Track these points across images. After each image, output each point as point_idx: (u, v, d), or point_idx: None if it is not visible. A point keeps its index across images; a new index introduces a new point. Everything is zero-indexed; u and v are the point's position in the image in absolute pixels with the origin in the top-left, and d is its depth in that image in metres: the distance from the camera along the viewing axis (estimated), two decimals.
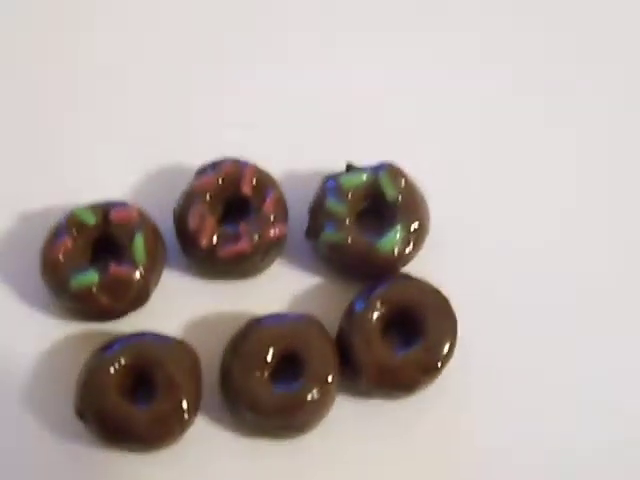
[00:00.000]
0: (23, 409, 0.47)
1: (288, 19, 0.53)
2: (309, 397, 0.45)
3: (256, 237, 0.46)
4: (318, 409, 0.45)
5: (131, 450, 0.46)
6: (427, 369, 0.46)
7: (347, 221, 0.47)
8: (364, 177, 0.47)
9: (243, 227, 0.47)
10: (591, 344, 0.48)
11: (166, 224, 0.48)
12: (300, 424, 0.45)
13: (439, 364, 0.46)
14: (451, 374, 0.47)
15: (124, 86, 0.52)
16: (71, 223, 0.47)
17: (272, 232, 0.47)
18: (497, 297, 0.49)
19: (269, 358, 0.45)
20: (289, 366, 0.46)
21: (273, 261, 0.48)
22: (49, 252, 0.46)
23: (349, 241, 0.47)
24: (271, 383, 0.45)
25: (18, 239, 0.49)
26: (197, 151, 0.50)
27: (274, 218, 0.47)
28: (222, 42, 0.52)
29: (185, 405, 0.45)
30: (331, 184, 0.47)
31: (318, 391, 0.45)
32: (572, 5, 0.53)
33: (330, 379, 0.45)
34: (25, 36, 0.52)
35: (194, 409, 0.45)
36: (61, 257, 0.46)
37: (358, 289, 0.47)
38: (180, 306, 0.48)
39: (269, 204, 0.47)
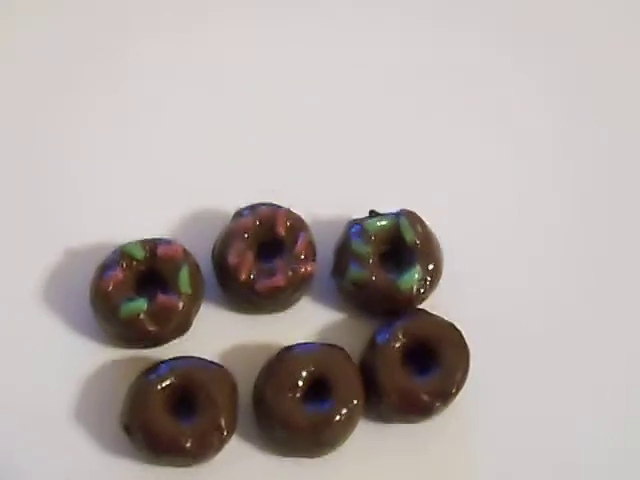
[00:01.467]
0: (71, 430, 0.51)
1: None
2: (337, 417, 0.50)
3: (290, 273, 0.51)
4: (345, 427, 0.50)
5: (172, 463, 0.50)
6: (443, 395, 0.51)
7: (370, 261, 0.52)
8: (385, 222, 0.53)
9: (278, 264, 0.52)
10: (604, 376, 0.53)
11: (202, 262, 0.53)
12: (328, 441, 0.50)
13: (453, 390, 0.51)
14: (464, 401, 0.51)
15: (171, 131, 0.57)
16: (121, 257, 0.51)
17: (304, 269, 0.52)
18: (507, 329, 0.54)
19: (300, 381, 0.50)
20: (318, 390, 0.50)
21: (302, 296, 0.53)
22: (100, 282, 0.51)
23: (373, 278, 0.52)
24: (302, 403, 0.50)
25: (68, 273, 0.53)
26: (230, 197, 0.54)
27: (305, 256, 0.52)
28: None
29: (223, 422, 0.49)
30: (356, 228, 0.53)
31: (345, 411, 0.50)
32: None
33: (356, 401, 0.50)
34: (73, 70, 0.58)
35: (232, 427, 0.50)
36: (111, 287, 0.51)
37: (377, 324, 0.52)
38: (216, 336, 0.53)
39: (301, 244, 0.52)
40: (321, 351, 0.51)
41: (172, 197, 0.55)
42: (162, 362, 0.51)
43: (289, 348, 0.51)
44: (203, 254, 0.53)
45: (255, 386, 0.51)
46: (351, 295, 0.53)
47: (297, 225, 0.53)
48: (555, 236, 0.56)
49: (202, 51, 0.58)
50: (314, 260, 0.52)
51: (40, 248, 0.54)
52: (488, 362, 0.52)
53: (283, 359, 0.51)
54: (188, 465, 0.50)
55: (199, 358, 0.51)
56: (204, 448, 0.49)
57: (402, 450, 0.52)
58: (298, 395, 0.50)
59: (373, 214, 0.53)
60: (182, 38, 0.58)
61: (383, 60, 0.59)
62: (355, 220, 0.53)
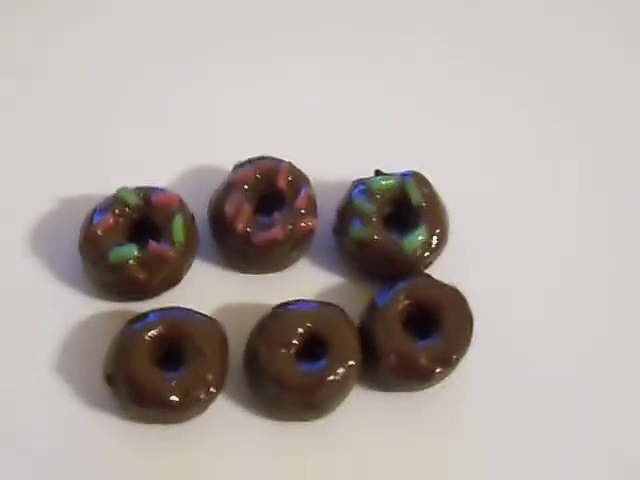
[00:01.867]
0: (53, 380, 0.49)
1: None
2: (331, 377, 0.47)
3: (289, 227, 0.49)
4: (339, 389, 0.47)
5: (155, 418, 0.47)
6: (443, 360, 0.48)
7: (374, 220, 0.50)
8: (392, 181, 0.51)
9: (277, 217, 0.49)
10: (609, 341, 0.51)
11: (199, 218, 0.50)
12: (320, 403, 0.47)
13: (454, 357, 0.48)
14: (465, 371, 0.49)
15: (176, 85, 0.55)
16: (114, 202, 0.49)
17: (303, 224, 0.49)
18: (511, 297, 0.51)
19: (295, 338, 0.48)
20: (314, 350, 0.48)
21: (300, 256, 0.51)
22: (90, 227, 0.49)
23: (374, 237, 0.49)
24: (296, 361, 0.47)
25: (61, 221, 0.51)
26: (234, 151, 0.52)
27: (306, 212, 0.50)
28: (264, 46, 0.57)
29: (211, 377, 0.47)
30: (360, 186, 0.51)
31: (341, 371, 0.47)
32: None
33: (352, 362, 0.47)
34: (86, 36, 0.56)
35: (220, 382, 0.47)
36: (101, 232, 0.49)
37: (378, 287, 0.50)
38: (209, 292, 0.50)
39: (302, 199, 0.50)
40: (318, 309, 0.48)
41: (172, 150, 0.53)
42: (150, 312, 0.48)
43: (285, 304, 0.49)
44: (200, 210, 0.51)
45: (248, 342, 0.48)
46: (352, 255, 0.50)
47: (299, 179, 0.50)
48: (565, 208, 0.54)
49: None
50: (315, 216, 0.50)
51: (33, 195, 0.52)
52: (493, 330, 0.50)
53: (278, 315, 0.48)
54: (172, 421, 0.47)
55: (188, 309, 0.48)
56: (189, 402, 0.47)
57: (399, 420, 0.49)
58: (292, 352, 0.47)
59: (379, 174, 0.51)
60: None
61: (393, 22, 0.58)
62: (360, 179, 0.51)
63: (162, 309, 0.48)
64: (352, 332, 0.48)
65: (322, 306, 0.49)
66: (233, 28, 0.57)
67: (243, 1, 0.58)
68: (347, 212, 0.50)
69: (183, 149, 0.53)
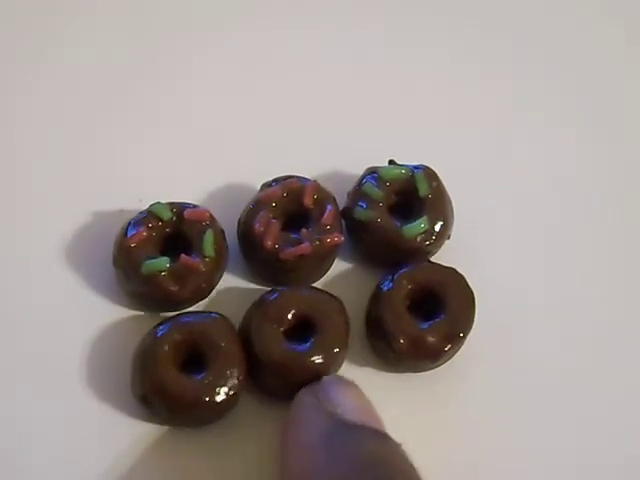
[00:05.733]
0: (82, 389, 0.50)
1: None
2: (312, 359, 0.49)
3: (316, 242, 0.51)
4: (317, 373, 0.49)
5: (191, 422, 0.49)
6: (450, 337, 0.50)
7: (380, 205, 0.53)
8: (402, 171, 0.53)
9: (304, 233, 0.52)
10: (610, 323, 0.54)
11: (227, 235, 0.52)
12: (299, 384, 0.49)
13: (461, 333, 0.51)
14: (468, 353, 0.52)
15: (205, 103, 0.57)
16: (148, 217, 0.51)
17: (330, 239, 0.51)
18: (513, 285, 0.54)
19: (288, 315, 0.50)
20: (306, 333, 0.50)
21: (326, 268, 0.53)
22: (125, 239, 0.51)
23: (377, 220, 0.52)
24: (285, 339, 0.49)
25: (94, 235, 0.53)
26: (255, 172, 0.55)
27: (331, 228, 0.52)
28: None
29: (236, 369, 0.49)
30: (373, 174, 0.54)
31: (322, 357, 0.49)
32: None
33: (337, 350, 0.49)
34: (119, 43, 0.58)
35: (244, 372, 0.49)
36: (135, 244, 0.50)
37: (382, 274, 0.52)
38: (237, 304, 0.52)
39: (328, 216, 0.52)
40: (315, 293, 0.51)
41: (201, 169, 0.55)
42: (160, 324, 0.50)
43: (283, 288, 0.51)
44: (228, 227, 0.53)
45: (244, 316, 0.51)
46: (356, 237, 0.53)
47: (324, 197, 0.53)
48: (573, 205, 0.57)
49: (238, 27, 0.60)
50: (341, 232, 0.52)
51: (68, 209, 0.54)
52: (494, 315, 0.52)
53: (275, 292, 0.51)
54: (209, 421, 0.49)
55: (196, 311, 0.51)
56: (225, 397, 0.48)
57: (410, 397, 0.51)
58: (282, 329, 0.50)
59: (392, 163, 0.54)
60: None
61: (404, 15, 0.61)
62: (374, 167, 0.54)
63: (171, 318, 0.50)
64: (344, 322, 0.50)
65: (319, 292, 0.51)
66: (261, 43, 0.59)
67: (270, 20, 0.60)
68: (356, 195, 0.53)
69: (210, 167, 0.55)
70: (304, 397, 0.47)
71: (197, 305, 0.52)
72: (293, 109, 0.58)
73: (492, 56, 0.60)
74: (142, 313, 0.52)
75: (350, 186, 0.54)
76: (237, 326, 0.51)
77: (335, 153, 0.56)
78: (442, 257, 0.53)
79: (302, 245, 0.51)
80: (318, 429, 0.45)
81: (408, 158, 0.54)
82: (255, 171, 0.54)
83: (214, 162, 0.56)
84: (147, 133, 0.56)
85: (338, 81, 0.59)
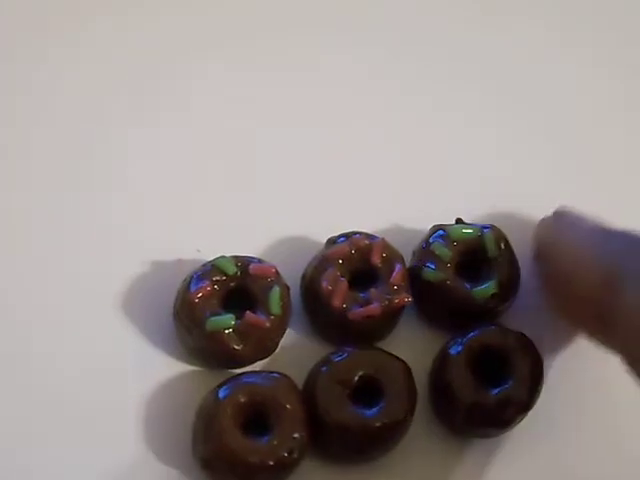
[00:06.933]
0: (139, 446, 0.49)
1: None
2: (379, 423, 0.48)
3: (385, 303, 0.50)
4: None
5: None
6: (519, 406, 0.49)
7: (448, 265, 0.51)
8: (471, 230, 0.52)
9: (373, 293, 0.50)
10: None
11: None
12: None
13: (530, 402, 0.49)
14: (538, 414, 0.50)
15: (269, 156, 0.56)
16: (212, 270, 0.50)
17: (398, 300, 0.50)
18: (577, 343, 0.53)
19: (355, 378, 0.49)
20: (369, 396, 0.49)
21: (392, 328, 0.51)
22: (188, 293, 0.49)
23: (448, 282, 0.51)
24: (349, 401, 0.48)
25: (153, 286, 0.52)
26: (316, 227, 0.54)
27: (399, 288, 0.50)
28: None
29: (301, 434, 0.47)
30: (440, 232, 0.52)
31: (389, 423, 0.48)
32: None
33: (404, 416, 0.49)
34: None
35: (308, 436, 0.48)
36: (199, 300, 0.49)
37: (445, 335, 0.51)
38: (300, 362, 0.50)
39: (397, 276, 0.50)
40: (381, 357, 0.50)
41: (260, 220, 0.54)
42: (222, 384, 0.48)
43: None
44: (289, 282, 0.51)
45: (307, 377, 0.49)
46: (423, 298, 0.52)
47: (392, 256, 0.51)
48: None
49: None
50: (409, 292, 0.51)
51: (127, 260, 0.52)
52: (560, 373, 0.52)
53: (342, 353, 0.49)
54: None
55: (260, 371, 0.49)
56: (284, 461, 0.47)
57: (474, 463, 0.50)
58: (347, 392, 0.48)
59: (459, 222, 0.53)
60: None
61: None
62: (440, 225, 0.52)
63: (233, 378, 0.49)
64: (410, 386, 0.49)
65: (386, 354, 0.50)
66: (330, 100, 0.58)
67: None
68: (424, 254, 0.52)
69: (271, 221, 0.54)
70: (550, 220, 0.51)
71: (259, 362, 0.50)
72: (357, 163, 0.56)
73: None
74: (201, 369, 0.51)
75: (413, 243, 0.53)
76: (299, 385, 0.49)
77: (398, 208, 0.55)
78: (507, 315, 0.52)
79: (371, 306, 0.50)
80: (585, 227, 0.48)
81: (470, 216, 0.53)
82: (313, 224, 0.54)
83: (274, 214, 0.54)
84: (208, 182, 0.55)
85: (402, 136, 0.57)
